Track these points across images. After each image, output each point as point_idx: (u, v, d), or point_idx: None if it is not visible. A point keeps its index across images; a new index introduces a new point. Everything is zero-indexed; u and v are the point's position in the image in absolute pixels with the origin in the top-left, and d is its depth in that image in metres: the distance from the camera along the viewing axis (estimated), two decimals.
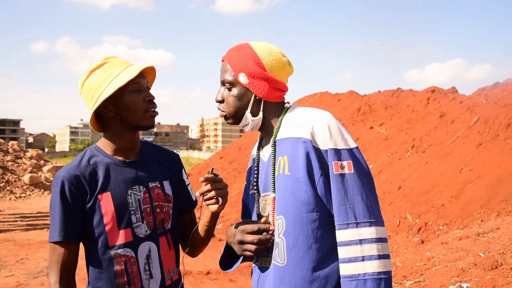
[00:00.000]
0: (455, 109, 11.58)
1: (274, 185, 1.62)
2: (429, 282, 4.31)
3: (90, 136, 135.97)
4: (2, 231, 10.60)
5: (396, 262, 5.48)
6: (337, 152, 1.50)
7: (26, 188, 18.87)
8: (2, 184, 18.11)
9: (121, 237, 1.64)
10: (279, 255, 1.56)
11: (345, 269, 1.46)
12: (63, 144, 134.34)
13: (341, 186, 1.48)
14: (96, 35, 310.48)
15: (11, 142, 23.48)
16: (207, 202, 1.61)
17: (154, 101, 1.74)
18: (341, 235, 1.48)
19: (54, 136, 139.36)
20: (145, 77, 1.74)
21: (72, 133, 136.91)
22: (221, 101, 1.69)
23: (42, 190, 19.10)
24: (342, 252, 1.47)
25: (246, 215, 1.85)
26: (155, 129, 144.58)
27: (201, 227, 1.77)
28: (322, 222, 1.52)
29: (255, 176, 1.75)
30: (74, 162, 1.67)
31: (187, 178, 1.96)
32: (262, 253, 1.66)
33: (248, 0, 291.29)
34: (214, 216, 1.70)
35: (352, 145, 1.54)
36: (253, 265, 1.73)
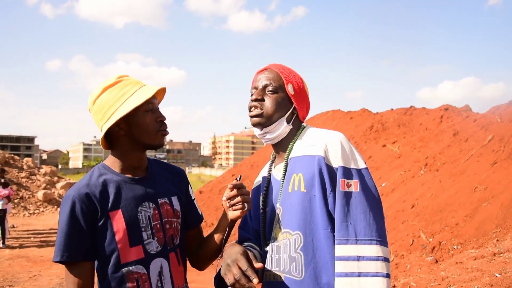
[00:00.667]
0: (469, 127, 11.50)
1: (280, 200, 1.70)
2: None
3: (103, 153, 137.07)
4: (15, 248, 10.67)
5: (409, 282, 5.41)
6: (346, 171, 1.56)
7: (40, 205, 19.04)
8: (16, 201, 18.29)
9: (133, 254, 1.64)
10: (296, 270, 1.60)
11: (340, 283, 1.49)
12: (76, 160, 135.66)
13: (345, 204, 1.54)
14: (110, 53, 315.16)
15: (26, 158, 23.78)
16: (234, 207, 1.66)
17: (165, 121, 1.76)
18: (339, 249, 1.51)
19: (68, 152, 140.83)
20: (156, 97, 1.76)
21: (85, 149, 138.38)
22: (261, 100, 1.74)
23: (55, 207, 19.24)
24: (339, 266, 1.51)
25: (244, 228, 1.90)
26: (167, 146, 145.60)
27: (217, 235, 1.80)
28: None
29: (264, 193, 1.80)
30: (83, 181, 1.67)
31: (193, 193, 1.99)
32: (267, 268, 1.70)
33: (259, 19, 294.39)
34: (231, 225, 1.74)
35: (362, 165, 1.60)
36: (264, 281, 1.75)
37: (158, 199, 1.74)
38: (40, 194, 19.40)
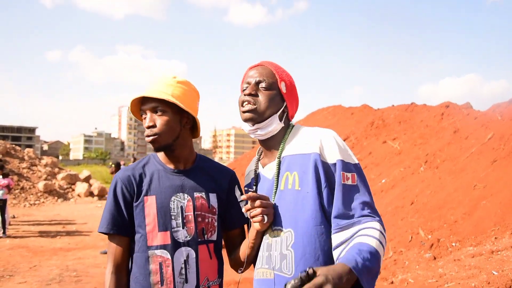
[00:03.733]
0: (470, 125, 11.51)
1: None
2: None
3: (104, 144, 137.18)
4: (16, 238, 10.72)
5: (407, 278, 5.44)
6: (345, 164, 1.61)
7: (40, 195, 19.09)
8: (17, 191, 18.34)
9: (159, 239, 1.76)
10: (287, 267, 1.61)
11: (339, 253, 1.51)
12: (77, 152, 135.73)
13: (346, 195, 1.57)
14: (110, 44, 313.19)
15: (27, 149, 23.80)
16: (253, 219, 1.65)
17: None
18: (337, 237, 1.54)
19: (69, 144, 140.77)
20: None
21: (86, 141, 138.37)
22: (254, 95, 1.73)
23: (56, 198, 19.30)
24: (337, 252, 1.52)
25: None
26: None
27: (246, 243, 1.82)
28: (328, 235, 1.59)
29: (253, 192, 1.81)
30: (132, 165, 1.88)
31: (242, 195, 1.99)
32: (258, 265, 1.73)
33: (261, 12, 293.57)
34: (259, 234, 1.73)
35: (356, 161, 1.66)
36: (254, 279, 1.77)
37: (195, 193, 1.85)
38: (40, 185, 19.44)
